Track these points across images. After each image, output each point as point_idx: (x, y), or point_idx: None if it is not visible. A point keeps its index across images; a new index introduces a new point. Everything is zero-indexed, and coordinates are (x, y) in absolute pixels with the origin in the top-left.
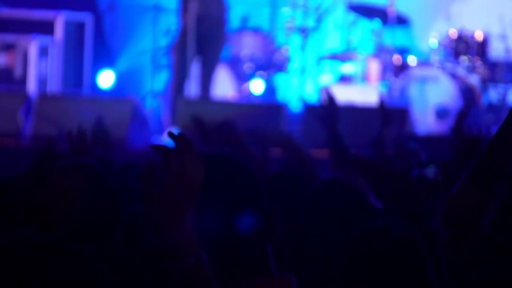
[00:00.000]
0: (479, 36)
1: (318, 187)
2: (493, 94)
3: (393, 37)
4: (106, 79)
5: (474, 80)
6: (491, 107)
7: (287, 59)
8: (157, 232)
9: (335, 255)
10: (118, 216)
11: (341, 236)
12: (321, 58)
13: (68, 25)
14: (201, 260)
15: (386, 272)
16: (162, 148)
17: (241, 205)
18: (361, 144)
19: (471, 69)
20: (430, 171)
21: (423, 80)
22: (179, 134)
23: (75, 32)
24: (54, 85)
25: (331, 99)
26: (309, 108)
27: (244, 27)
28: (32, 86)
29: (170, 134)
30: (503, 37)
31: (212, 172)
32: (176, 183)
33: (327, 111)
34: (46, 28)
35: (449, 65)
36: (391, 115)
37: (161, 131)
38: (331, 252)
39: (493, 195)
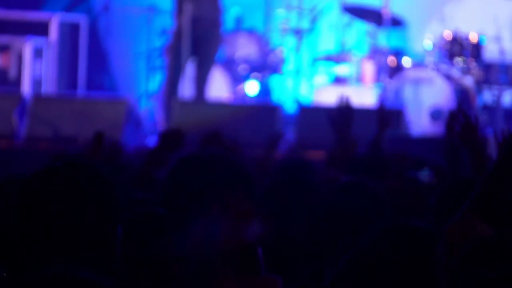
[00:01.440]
0: (473, 37)
1: (339, 188)
2: (487, 96)
3: (388, 39)
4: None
5: (468, 81)
6: (485, 108)
7: (282, 61)
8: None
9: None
10: (117, 219)
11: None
12: (315, 60)
13: (62, 26)
14: None
15: (408, 270)
16: None
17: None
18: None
19: (466, 71)
20: (424, 174)
21: (418, 82)
22: None
23: (69, 34)
24: (48, 87)
25: (348, 105)
26: (304, 110)
27: (238, 28)
28: (26, 88)
29: None
30: (497, 39)
31: (204, 173)
32: None
33: (342, 115)
34: (41, 29)
35: (443, 67)
36: (389, 117)
37: (155, 133)
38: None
39: (495, 225)
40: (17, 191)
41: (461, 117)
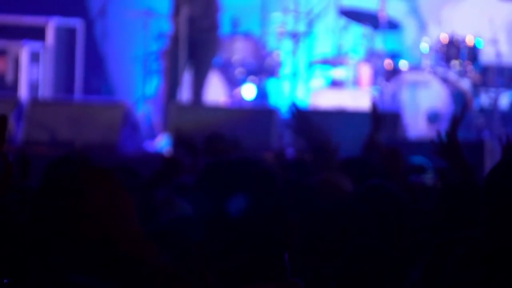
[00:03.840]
0: (470, 40)
1: (362, 192)
2: (484, 99)
3: (384, 42)
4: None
5: (465, 84)
6: (482, 111)
7: (279, 64)
8: None
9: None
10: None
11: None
12: (312, 63)
13: (59, 30)
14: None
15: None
16: None
17: (263, 211)
18: (353, 149)
19: (463, 74)
20: (429, 177)
21: (415, 85)
22: None
23: (66, 38)
24: (45, 91)
25: (299, 111)
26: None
27: (235, 32)
28: (23, 92)
29: None
30: (494, 42)
31: (237, 178)
32: None
33: (298, 123)
34: (37, 33)
35: (440, 70)
36: (383, 119)
37: (152, 137)
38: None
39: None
40: (33, 197)
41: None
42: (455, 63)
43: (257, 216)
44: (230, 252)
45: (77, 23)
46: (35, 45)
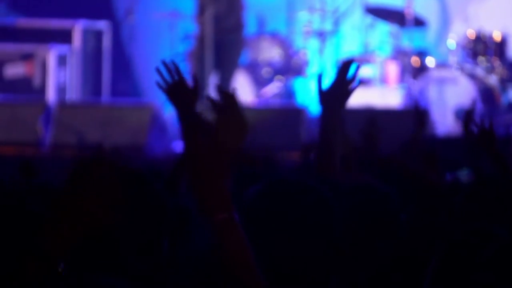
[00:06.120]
0: (497, 36)
1: (348, 191)
2: None
3: (411, 39)
4: None
5: (493, 80)
6: (511, 107)
7: (306, 63)
8: (194, 185)
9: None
10: (164, 224)
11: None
12: (339, 62)
13: (86, 33)
14: (233, 217)
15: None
16: (212, 100)
17: (313, 237)
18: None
19: (490, 70)
20: (464, 174)
21: (442, 82)
22: (228, 93)
23: (93, 40)
24: (73, 94)
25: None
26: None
27: (261, 31)
28: (51, 95)
29: (219, 89)
30: None
31: (292, 200)
32: (222, 138)
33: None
34: (64, 37)
35: (467, 66)
36: (425, 116)
37: (180, 138)
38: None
39: None
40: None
41: (476, 120)
42: (482, 59)
43: (308, 240)
44: (276, 273)
45: (103, 26)
46: (62, 48)
